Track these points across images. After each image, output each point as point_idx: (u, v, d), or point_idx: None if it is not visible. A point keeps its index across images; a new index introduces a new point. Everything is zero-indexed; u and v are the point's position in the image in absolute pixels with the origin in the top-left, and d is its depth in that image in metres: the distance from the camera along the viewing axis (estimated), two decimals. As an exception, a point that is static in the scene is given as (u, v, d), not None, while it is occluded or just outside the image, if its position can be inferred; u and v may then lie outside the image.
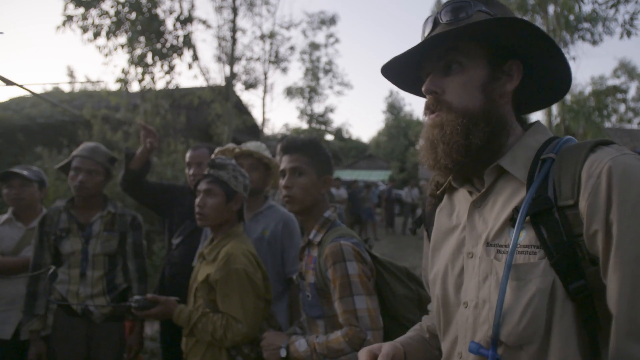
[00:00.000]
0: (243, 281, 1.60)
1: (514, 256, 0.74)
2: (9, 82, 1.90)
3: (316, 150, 1.54)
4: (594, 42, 8.29)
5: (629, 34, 5.52)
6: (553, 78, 0.88)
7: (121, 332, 2.19)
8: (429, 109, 0.87)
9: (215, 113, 9.62)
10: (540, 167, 0.78)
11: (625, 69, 29.17)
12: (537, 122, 0.89)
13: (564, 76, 0.86)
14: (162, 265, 2.47)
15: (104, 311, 2.08)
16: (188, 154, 2.44)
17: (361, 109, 78.90)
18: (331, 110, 23.66)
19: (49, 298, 2.02)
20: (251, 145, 2.19)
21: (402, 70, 0.93)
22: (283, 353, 1.38)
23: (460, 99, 0.82)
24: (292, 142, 1.53)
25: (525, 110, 0.95)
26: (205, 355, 1.66)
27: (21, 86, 2.05)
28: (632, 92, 28.91)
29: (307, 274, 1.48)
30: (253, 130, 13.91)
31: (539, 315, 0.71)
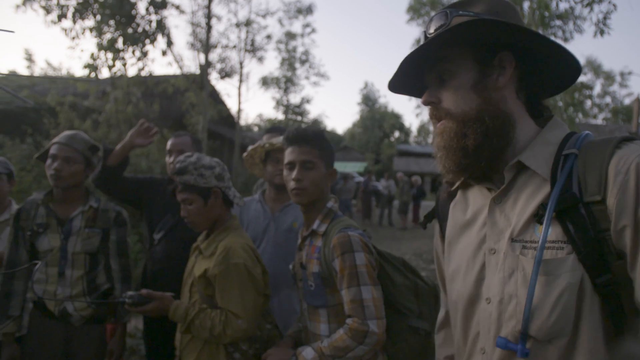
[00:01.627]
0: (243, 276, 1.54)
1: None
2: None
3: (325, 142, 1.53)
4: (565, 40, 8.57)
5: (602, 32, 5.70)
6: (556, 62, 0.88)
7: (102, 336, 2.05)
8: (433, 118, 0.91)
9: (190, 102, 9.33)
10: (563, 163, 0.79)
11: (592, 66, 30.53)
12: (554, 117, 0.90)
13: (565, 59, 0.86)
14: (144, 261, 2.36)
15: (83, 313, 1.95)
16: (169, 142, 2.34)
17: (336, 100, 79.02)
18: (307, 101, 23.45)
19: (36, 295, 1.87)
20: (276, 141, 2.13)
21: (408, 81, 0.97)
22: None
23: (456, 105, 0.85)
24: (302, 134, 1.50)
25: (541, 97, 0.96)
26: (201, 352, 1.60)
27: None
28: (597, 89, 30.37)
29: (309, 263, 1.49)
30: (228, 120, 13.61)
31: (569, 309, 0.73)
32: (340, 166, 21.91)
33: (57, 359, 1.94)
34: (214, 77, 11.77)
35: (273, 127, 2.81)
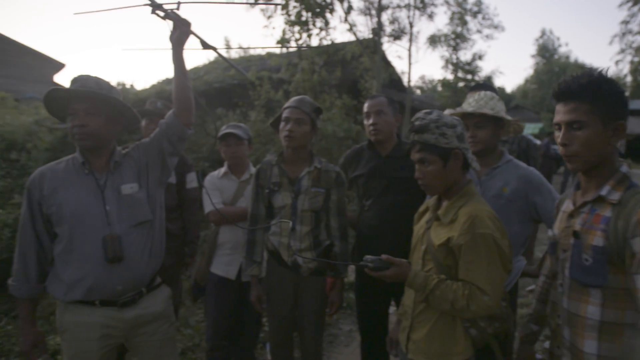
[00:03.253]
0: (491, 248, 1.38)
1: None
2: (206, 46, 1.93)
3: (599, 92, 1.22)
4: None
5: None
6: None
7: (323, 287, 2.22)
8: None
9: (364, 67, 9.42)
10: None
11: None
12: None
13: None
14: (356, 227, 2.44)
15: (310, 265, 2.12)
16: (366, 104, 2.34)
17: (504, 55, 69.22)
18: (480, 57, 20.91)
19: (291, 250, 2.13)
20: (472, 101, 1.98)
21: None
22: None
23: None
24: (567, 88, 1.25)
25: None
26: (436, 324, 1.52)
27: (215, 49, 2.08)
28: None
29: (589, 234, 1.26)
30: (397, 84, 13.36)
31: None
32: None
33: (289, 302, 2.18)
34: (385, 41, 11.59)
35: (478, 85, 2.58)
